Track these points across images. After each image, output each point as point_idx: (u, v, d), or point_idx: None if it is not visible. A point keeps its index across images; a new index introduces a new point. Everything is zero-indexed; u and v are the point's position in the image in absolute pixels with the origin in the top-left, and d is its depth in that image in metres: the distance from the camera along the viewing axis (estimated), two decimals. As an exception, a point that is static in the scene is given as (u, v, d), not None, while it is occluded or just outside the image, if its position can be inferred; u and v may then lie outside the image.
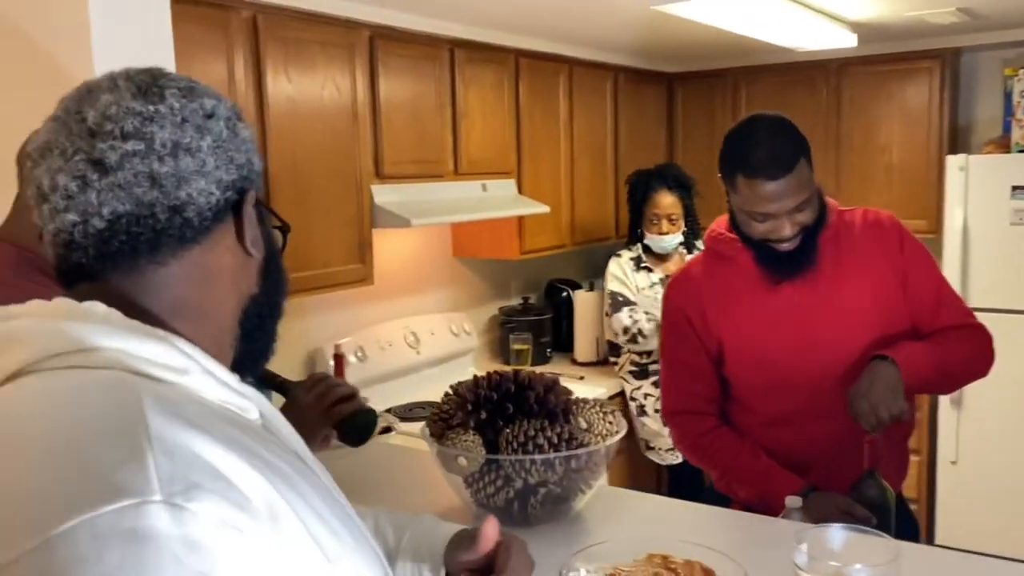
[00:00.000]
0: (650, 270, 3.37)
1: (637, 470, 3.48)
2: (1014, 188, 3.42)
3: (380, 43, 2.79)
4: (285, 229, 0.88)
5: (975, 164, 3.49)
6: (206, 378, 0.70)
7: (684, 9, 2.48)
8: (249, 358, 0.82)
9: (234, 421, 0.69)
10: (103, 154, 0.70)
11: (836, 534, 1.00)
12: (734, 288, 1.74)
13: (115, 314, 0.69)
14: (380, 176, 2.82)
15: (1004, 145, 3.55)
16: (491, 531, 0.96)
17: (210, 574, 0.54)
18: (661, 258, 3.41)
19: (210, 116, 0.75)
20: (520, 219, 3.39)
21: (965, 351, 1.67)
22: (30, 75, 1.77)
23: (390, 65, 2.83)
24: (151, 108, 0.72)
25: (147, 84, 0.74)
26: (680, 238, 3.38)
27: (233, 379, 0.73)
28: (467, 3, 2.76)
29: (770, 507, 1.60)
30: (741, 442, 1.76)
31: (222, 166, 0.75)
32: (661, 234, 3.34)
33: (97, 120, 0.71)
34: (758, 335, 1.71)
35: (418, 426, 2.80)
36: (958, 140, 3.92)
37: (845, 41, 3.28)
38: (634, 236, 3.45)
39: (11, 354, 0.66)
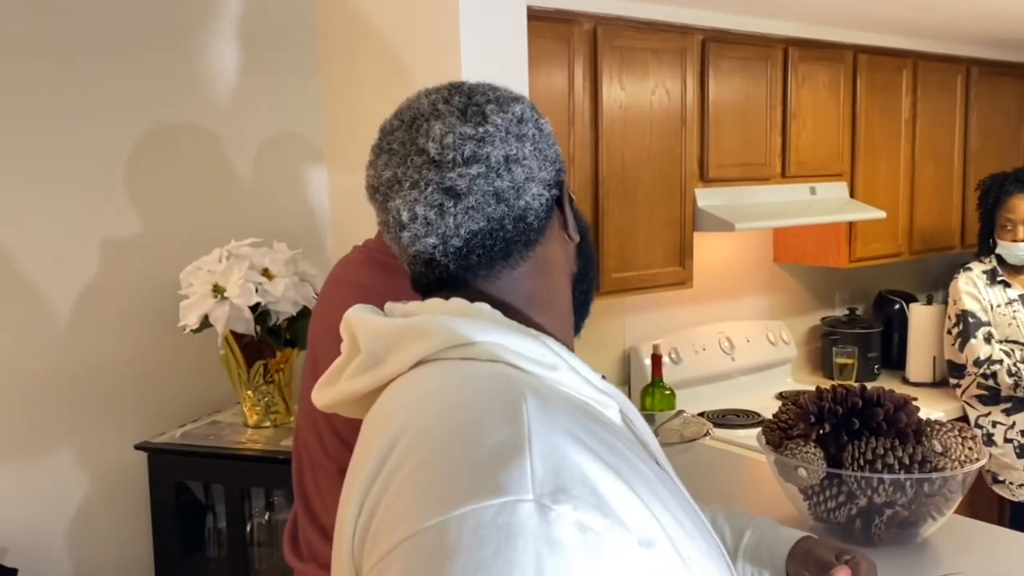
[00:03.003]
0: (1007, 285, 3.02)
1: (976, 502, 3.14)
2: None
3: (712, 46, 2.78)
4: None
5: None
6: (572, 375, 0.74)
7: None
8: (575, 328, 0.87)
9: (599, 419, 0.72)
10: (453, 182, 0.76)
11: None
12: None
13: (498, 314, 0.76)
14: (704, 179, 2.82)
15: None
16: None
17: (566, 572, 0.57)
18: (1018, 270, 3.04)
19: (521, 121, 0.80)
20: (851, 225, 3.20)
21: None
22: (401, 87, 2.01)
23: (721, 67, 2.81)
24: (481, 130, 0.77)
25: (465, 104, 0.80)
26: None
27: (595, 376, 0.77)
28: (801, 0, 2.66)
29: None
30: None
31: (543, 166, 0.81)
32: (1016, 241, 2.99)
33: (438, 150, 0.77)
34: None
35: (731, 433, 2.80)
36: None
37: None
38: (985, 247, 3.11)
39: (418, 344, 0.75)
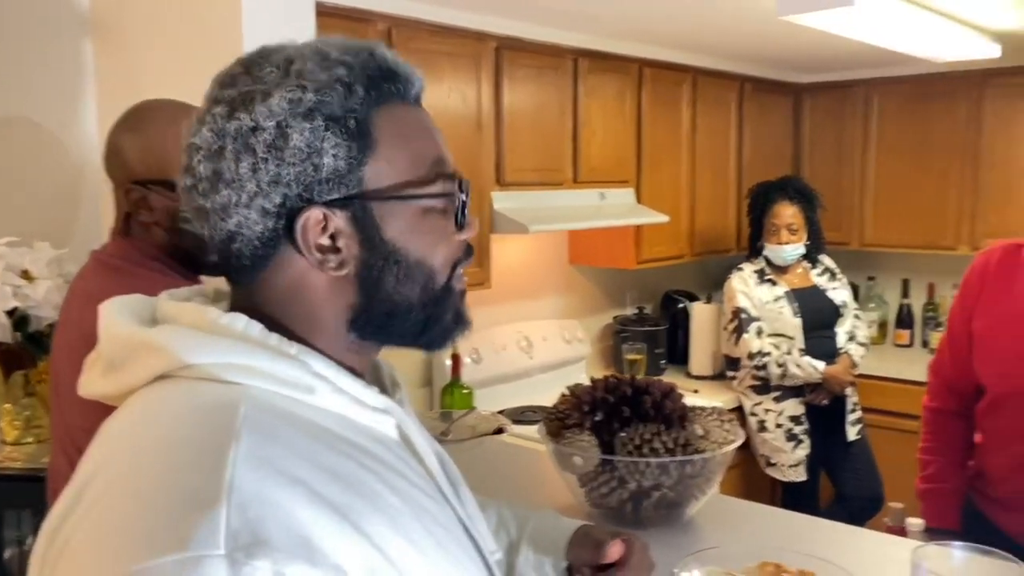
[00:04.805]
0: (773, 283, 3.31)
1: (753, 487, 3.41)
2: None
3: (506, 53, 2.86)
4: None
5: None
6: (336, 396, 0.71)
7: (814, 19, 2.43)
8: (414, 344, 0.79)
9: (352, 447, 0.69)
10: (180, 184, 0.74)
11: (958, 553, 0.97)
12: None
13: (254, 328, 0.70)
14: (500, 183, 2.89)
15: None
16: (616, 552, 1.01)
17: None
18: (783, 270, 3.35)
19: (256, 129, 0.69)
20: (638, 228, 3.39)
21: None
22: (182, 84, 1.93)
23: (515, 75, 2.89)
24: (200, 137, 0.71)
25: (226, 97, 0.71)
26: (802, 249, 3.31)
27: (370, 393, 0.73)
28: (591, 13, 2.79)
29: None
30: (951, 443, 1.80)
31: (269, 188, 0.69)
32: (780, 244, 3.29)
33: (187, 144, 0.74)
34: (1010, 331, 1.67)
35: (529, 429, 2.88)
36: (1113, 156, 3.67)
37: (988, 51, 3.12)
38: (755, 249, 3.40)
39: (150, 360, 0.70)
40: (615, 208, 3.26)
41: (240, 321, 0.70)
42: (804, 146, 4.30)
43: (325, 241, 0.71)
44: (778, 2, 2.38)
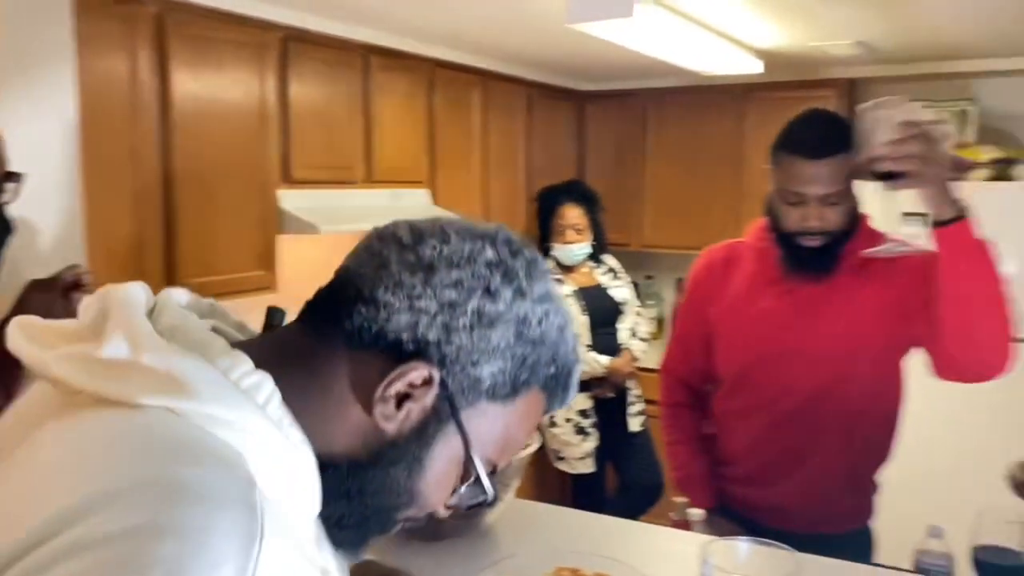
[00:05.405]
0: (561, 282, 3.41)
1: (545, 480, 3.51)
2: (904, 215, 3.60)
3: (292, 45, 2.73)
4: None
5: (870, 191, 3.66)
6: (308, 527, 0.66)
7: (599, 29, 2.52)
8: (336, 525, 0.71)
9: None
10: None
11: (741, 547, 1.02)
12: (749, 277, 1.80)
13: (273, 401, 0.64)
14: (288, 181, 2.76)
15: (893, 173, 3.74)
16: None
17: None
18: (570, 270, 3.46)
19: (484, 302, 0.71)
20: (431, 229, 3.36)
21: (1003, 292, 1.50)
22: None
23: (303, 68, 2.77)
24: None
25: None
26: (588, 249, 3.45)
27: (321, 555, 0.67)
28: (383, 9, 2.73)
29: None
30: (693, 432, 1.91)
31: (436, 313, 0.70)
32: (567, 243, 3.41)
33: None
34: (753, 329, 1.77)
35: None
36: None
37: (751, 67, 3.39)
38: (543, 250, 3.49)
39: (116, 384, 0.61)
40: (409, 209, 3.22)
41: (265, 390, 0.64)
42: (588, 151, 4.47)
43: (402, 390, 0.68)
44: (566, 11, 2.44)
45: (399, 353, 0.68)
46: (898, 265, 1.65)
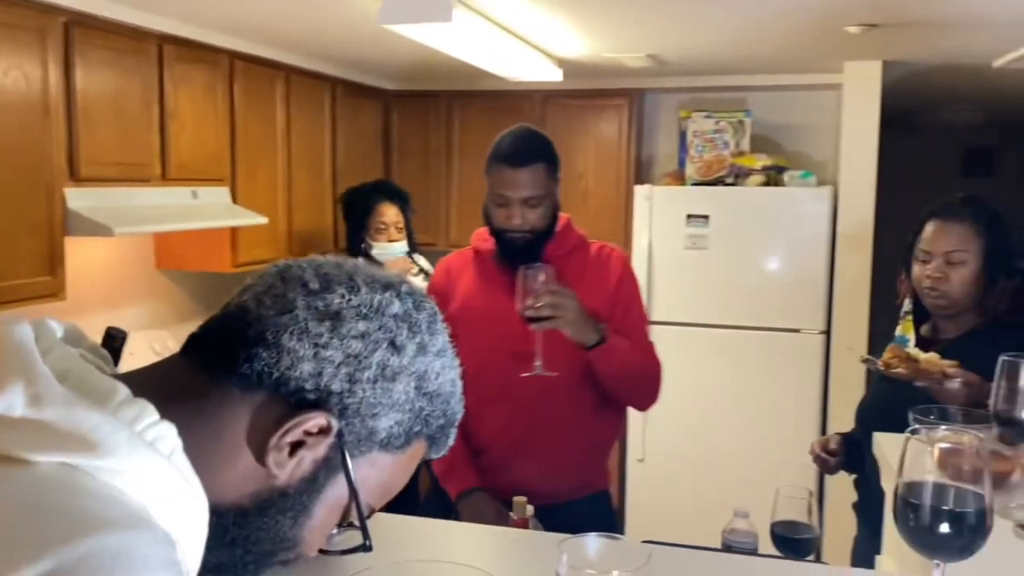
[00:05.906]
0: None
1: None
2: (688, 216, 3.89)
3: (77, 31, 2.51)
4: None
5: (658, 194, 3.92)
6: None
7: (413, 31, 2.52)
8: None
9: None
10: None
11: (592, 543, 1.07)
12: (476, 275, 2.02)
13: (177, 450, 0.61)
14: (75, 178, 2.54)
15: (679, 178, 4.03)
16: None
17: None
18: (382, 267, 3.43)
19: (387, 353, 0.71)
20: (234, 230, 3.21)
21: (644, 364, 1.97)
22: None
23: (90, 56, 2.55)
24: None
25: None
26: (406, 247, 3.48)
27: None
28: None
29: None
30: None
31: (341, 365, 0.69)
32: (391, 241, 3.43)
33: None
34: (483, 324, 1.91)
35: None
36: (642, 172, 4.38)
37: (552, 75, 3.53)
38: (359, 250, 3.44)
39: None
40: (209, 208, 3.05)
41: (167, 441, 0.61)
42: (394, 151, 4.45)
43: (297, 438, 0.66)
44: (379, 11, 2.42)
45: (299, 401, 0.66)
46: (587, 278, 1.94)
